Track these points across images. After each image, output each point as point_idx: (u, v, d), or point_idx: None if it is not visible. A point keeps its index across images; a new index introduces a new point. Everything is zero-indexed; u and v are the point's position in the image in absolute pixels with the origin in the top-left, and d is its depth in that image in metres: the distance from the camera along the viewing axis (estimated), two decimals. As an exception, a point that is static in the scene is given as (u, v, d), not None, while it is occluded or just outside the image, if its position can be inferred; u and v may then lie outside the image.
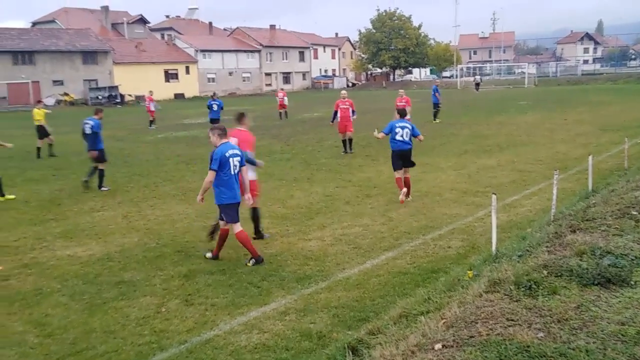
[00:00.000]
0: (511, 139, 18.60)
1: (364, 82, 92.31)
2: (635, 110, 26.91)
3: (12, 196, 12.01)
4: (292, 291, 6.34)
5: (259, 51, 77.78)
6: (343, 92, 18.56)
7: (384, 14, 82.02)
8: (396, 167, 10.49)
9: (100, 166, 12.68)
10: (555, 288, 4.73)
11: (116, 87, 56.70)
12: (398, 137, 10.44)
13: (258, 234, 8.46)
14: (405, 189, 10.38)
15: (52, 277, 7.09)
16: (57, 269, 7.41)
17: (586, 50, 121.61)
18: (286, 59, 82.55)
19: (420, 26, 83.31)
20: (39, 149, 18.51)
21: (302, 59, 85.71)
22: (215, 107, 22.90)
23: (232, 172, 7.27)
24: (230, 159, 7.25)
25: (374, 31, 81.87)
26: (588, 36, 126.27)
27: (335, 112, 17.27)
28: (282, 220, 9.55)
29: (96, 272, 7.24)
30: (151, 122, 28.15)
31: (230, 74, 73.42)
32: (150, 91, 30.85)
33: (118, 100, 54.86)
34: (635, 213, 6.89)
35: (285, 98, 31.44)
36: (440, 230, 8.52)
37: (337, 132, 17.63)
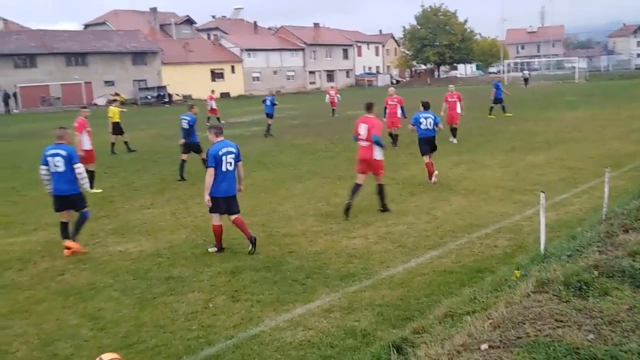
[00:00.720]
0: (560, 135, 18.13)
1: (408, 79, 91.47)
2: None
3: (99, 190, 12.54)
4: (337, 289, 6.37)
5: (302, 49, 78.13)
6: (391, 89, 19.03)
7: (428, 9, 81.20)
8: (423, 152, 11.93)
9: (184, 157, 14.03)
10: (606, 289, 4.61)
11: (164, 87, 58.01)
12: (423, 126, 11.90)
13: (384, 208, 9.80)
14: (436, 172, 11.74)
15: (105, 272, 7.35)
16: (109, 265, 7.67)
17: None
18: (330, 57, 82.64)
19: (466, 21, 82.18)
20: (113, 144, 19.32)
21: (345, 56, 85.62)
22: (268, 102, 23.42)
23: (224, 169, 7.71)
24: (224, 157, 7.70)
25: (419, 27, 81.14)
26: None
27: (385, 108, 17.62)
28: (326, 218, 9.59)
29: (146, 268, 7.45)
30: (209, 118, 28.74)
31: (275, 72, 74.03)
32: (212, 90, 33.30)
33: (166, 100, 56.11)
34: (692, 212, 6.63)
35: (338, 96, 32.93)
36: (487, 229, 8.39)
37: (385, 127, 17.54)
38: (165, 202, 11.44)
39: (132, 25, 66.00)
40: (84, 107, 14.68)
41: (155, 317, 5.87)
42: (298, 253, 7.73)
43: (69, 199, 8.22)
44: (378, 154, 9.50)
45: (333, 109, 31.89)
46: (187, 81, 60.00)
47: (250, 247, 7.77)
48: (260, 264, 7.33)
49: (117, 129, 19.53)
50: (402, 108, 17.44)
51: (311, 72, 79.70)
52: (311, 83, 78.81)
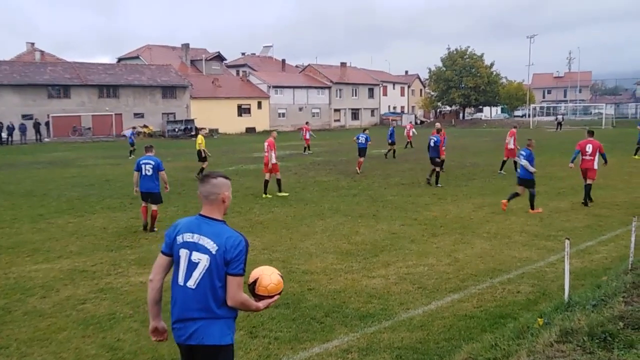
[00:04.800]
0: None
1: (432, 119, 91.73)
2: None
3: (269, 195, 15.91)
4: (355, 329, 6.31)
5: (329, 87, 79.11)
6: (437, 124, 23.01)
7: (454, 52, 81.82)
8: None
9: (437, 169, 17.97)
10: (632, 341, 4.49)
11: (192, 120, 59.05)
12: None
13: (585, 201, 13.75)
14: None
15: (125, 303, 7.40)
16: (130, 295, 7.72)
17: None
18: (355, 96, 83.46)
19: (492, 64, 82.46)
20: (202, 169, 20.97)
21: (371, 95, 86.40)
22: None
23: (143, 173, 11.58)
24: (143, 165, 11.59)
25: (444, 69, 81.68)
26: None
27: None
28: (347, 256, 9.56)
29: (166, 300, 7.46)
30: (305, 148, 33.25)
31: (300, 109, 74.91)
32: (307, 122, 38.10)
33: (193, 133, 57.04)
34: None
35: (413, 130, 36.33)
36: (509, 274, 8.27)
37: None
38: (187, 235, 11.51)
39: (164, 60, 67.72)
40: (273, 130, 20.07)
41: (174, 350, 5.84)
42: (317, 291, 7.70)
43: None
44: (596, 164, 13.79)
45: (409, 142, 34.65)
46: (215, 115, 61.01)
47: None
48: (280, 301, 7.26)
49: (202, 155, 21.46)
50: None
51: (336, 110, 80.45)
52: (336, 120, 79.45)
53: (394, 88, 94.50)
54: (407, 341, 5.94)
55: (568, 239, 6.33)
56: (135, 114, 58.00)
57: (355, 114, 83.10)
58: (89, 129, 53.37)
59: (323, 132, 67.63)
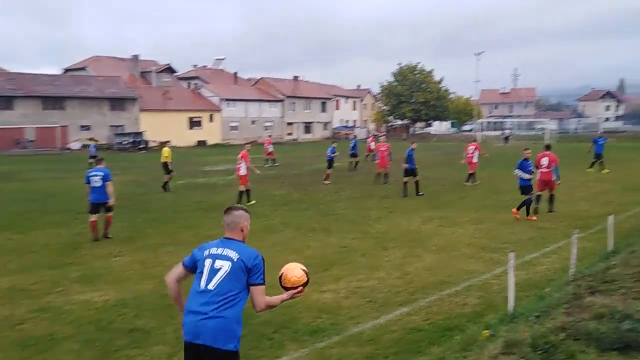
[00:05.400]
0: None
1: (384, 133, 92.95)
2: (658, 169, 26.63)
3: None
4: (305, 344, 6.27)
5: (281, 101, 79.21)
6: (382, 137, 25.63)
7: (405, 67, 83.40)
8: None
9: (414, 179, 18.83)
10: (572, 352, 4.62)
11: (141, 133, 57.93)
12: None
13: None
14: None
15: (67, 322, 7.12)
16: (71, 314, 7.44)
17: (607, 108, 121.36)
18: (308, 109, 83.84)
19: (441, 80, 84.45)
20: (166, 182, 21.17)
21: (323, 109, 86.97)
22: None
23: (92, 185, 11.94)
24: (91, 177, 11.97)
25: (396, 84, 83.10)
26: (609, 94, 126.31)
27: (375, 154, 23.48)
28: (298, 271, 9.49)
29: (110, 319, 7.25)
30: (273, 160, 33.59)
31: (253, 122, 74.66)
32: (269, 135, 39.26)
33: (142, 146, 55.94)
34: (656, 276, 6.75)
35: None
36: (457, 287, 8.39)
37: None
38: (134, 251, 11.24)
39: (112, 71, 66.36)
40: (247, 144, 19.84)
41: (116, 371, 5.67)
42: (267, 307, 7.60)
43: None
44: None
45: (369, 154, 33.44)
46: (165, 128, 60.03)
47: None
48: (228, 317, 7.18)
49: (168, 168, 21.45)
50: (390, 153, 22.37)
51: (289, 124, 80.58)
52: (288, 134, 79.53)
53: (346, 102, 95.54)
54: (357, 356, 5.93)
55: (512, 251, 6.49)
56: (82, 126, 56.51)
57: (308, 127, 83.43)
58: (32, 141, 51.58)
59: (275, 145, 67.37)
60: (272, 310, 7.32)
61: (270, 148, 34.51)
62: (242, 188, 17.44)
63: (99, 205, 12.09)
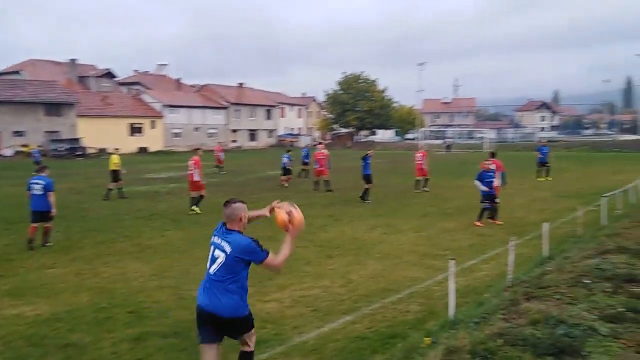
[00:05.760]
0: (471, 202, 18.88)
1: (329, 140, 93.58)
2: (589, 178, 27.91)
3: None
4: (247, 356, 6.14)
5: (226, 108, 78.49)
6: (320, 145, 24.59)
7: (350, 76, 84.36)
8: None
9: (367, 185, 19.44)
10: (509, 358, 4.72)
11: (77, 139, 56.05)
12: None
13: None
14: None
15: (-6, 339, 6.74)
16: (1, 329, 7.05)
17: (543, 118, 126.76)
18: (253, 117, 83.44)
19: (385, 89, 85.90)
20: (110, 190, 20.73)
21: (268, 117, 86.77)
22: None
23: (32, 193, 11.78)
24: (32, 185, 11.80)
25: (341, 92, 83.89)
26: (545, 105, 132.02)
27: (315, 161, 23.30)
28: (241, 280, 9.36)
29: (43, 334, 6.91)
30: (219, 167, 33.49)
31: (197, 129, 73.63)
32: (219, 142, 40.59)
33: (80, 153, 54.11)
34: (587, 281, 7.02)
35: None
36: (400, 294, 8.47)
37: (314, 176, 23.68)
38: (69, 262, 10.79)
39: (48, 76, 63.96)
40: (198, 149, 19.55)
41: (47, 390, 5.40)
42: (209, 318, 7.45)
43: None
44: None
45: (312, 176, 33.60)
46: (104, 134, 58.43)
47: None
48: (168, 330, 6.99)
49: (117, 175, 21.03)
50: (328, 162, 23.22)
51: (234, 131, 79.90)
52: (233, 141, 78.83)
53: (291, 109, 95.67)
54: (300, 366, 5.87)
55: (453, 259, 6.60)
56: (15, 132, 54.24)
57: (252, 135, 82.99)
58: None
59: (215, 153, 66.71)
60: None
61: (222, 155, 34.35)
62: (195, 194, 17.30)
63: (38, 214, 11.86)
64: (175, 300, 8.17)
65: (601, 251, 9.07)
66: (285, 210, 5.05)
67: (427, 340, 5.68)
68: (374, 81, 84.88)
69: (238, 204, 4.90)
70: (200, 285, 4.84)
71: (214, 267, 4.68)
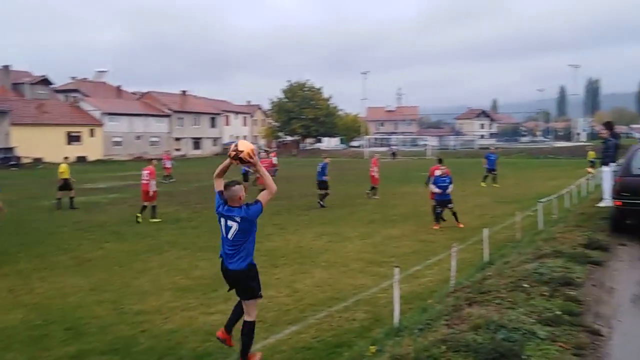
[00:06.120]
0: (415, 209, 19.26)
1: (274, 148, 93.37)
2: (526, 183, 28.93)
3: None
4: (191, 371, 6.01)
5: (168, 116, 77.07)
6: (263, 153, 25.47)
7: (295, 84, 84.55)
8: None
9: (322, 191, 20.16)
10: (453, 364, 4.79)
11: (11, 148, 53.73)
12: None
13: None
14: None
15: None
16: None
17: (482, 126, 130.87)
18: (197, 125, 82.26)
19: (330, 97, 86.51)
20: (58, 199, 20.46)
21: (213, 125, 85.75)
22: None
23: None
24: None
25: (286, 100, 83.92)
26: (484, 113, 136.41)
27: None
28: (185, 292, 9.18)
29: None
30: (167, 177, 32.96)
31: (138, 137, 71.93)
32: (167, 150, 40.31)
33: (13, 163, 51.86)
34: (526, 285, 7.23)
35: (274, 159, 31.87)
36: (346, 302, 8.47)
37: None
38: (1, 277, 10.28)
39: (-21, 82, 61.10)
40: (153, 159, 19.79)
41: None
42: (151, 332, 7.25)
43: None
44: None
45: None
46: (40, 143, 56.18)
47: None
48: (107, 347, 6.74)
49: (66, 185, 20.75)
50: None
51: (177, 139, 78.52)
52: (177, 150, 77.41)
53: (236, 117, 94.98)
54: (245, 379, 5.77)
55: (397, 266, 6.67)
56: (-57, 142, 51.45)
57: (197, 143, 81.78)
58: None
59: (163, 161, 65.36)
60: (156, 335, 7.08)
61: (169, 164, 34.12)
62: (147, 204, 17.32)
63: None
64: (116, 316, 7.90)
65: (538, 255, 9.37)
66: (237, 151, 5.65)
67: (373, 348, 5.70)
68: (318, 89, 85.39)
69: (237, 186, 5.62)
70: (221, 251, 5.76)
71: (231, 233, 5.61)
